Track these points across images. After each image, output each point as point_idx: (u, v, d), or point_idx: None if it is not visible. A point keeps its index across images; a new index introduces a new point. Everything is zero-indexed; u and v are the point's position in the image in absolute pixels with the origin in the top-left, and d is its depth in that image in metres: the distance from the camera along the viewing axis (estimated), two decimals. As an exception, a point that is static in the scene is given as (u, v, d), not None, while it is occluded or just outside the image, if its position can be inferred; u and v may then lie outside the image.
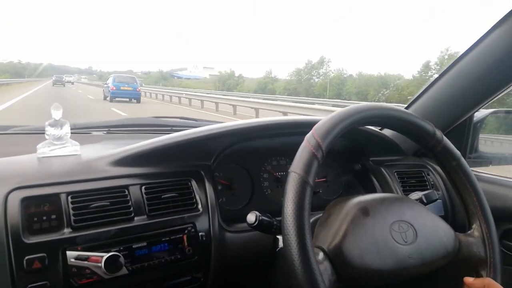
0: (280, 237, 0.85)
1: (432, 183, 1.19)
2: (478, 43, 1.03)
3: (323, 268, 0.62)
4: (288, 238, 0.59)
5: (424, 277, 0.72)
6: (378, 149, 1.20)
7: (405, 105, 1.28)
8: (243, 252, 0.92)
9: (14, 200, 0.68)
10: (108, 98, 16.42)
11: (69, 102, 13.37)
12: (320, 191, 1.21)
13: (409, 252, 0.69)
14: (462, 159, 0.77)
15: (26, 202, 0.69)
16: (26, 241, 0.66)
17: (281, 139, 1.08)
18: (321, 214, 0.76)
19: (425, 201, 0.85)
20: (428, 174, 1.20)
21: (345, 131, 0.67)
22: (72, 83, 39.80)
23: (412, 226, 0.71)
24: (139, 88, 17.33)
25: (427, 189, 1.04)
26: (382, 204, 0.73)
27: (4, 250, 0.64)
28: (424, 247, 0.70)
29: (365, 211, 0.70)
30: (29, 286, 0.65)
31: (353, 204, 0.72)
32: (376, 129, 1.21)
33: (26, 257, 0.65)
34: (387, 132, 1.23)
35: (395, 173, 1.16)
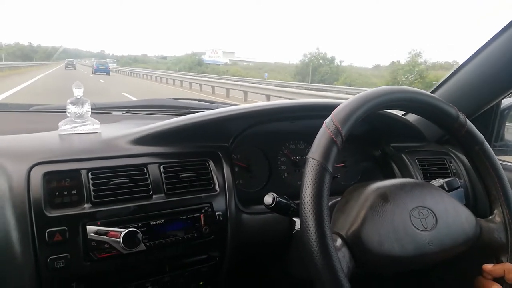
0: (296, 220, 0.85)
1: (455, 171, 1.16)
2: (507, 29, 0.98)
3: (341, 255, 0.61)
4: (306, 225, 0.58)
5: (443, 263, 0.70)
6: (399, 134, 1.17)
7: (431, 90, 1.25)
8: (259, 234, 0.92)
9: (37, 175, 0.69)
10: (92, 71, 30.38)
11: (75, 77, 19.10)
12: (338, 176, 1.19)
13: (428, 238, 0.67)
14: (486, 143, 0.74)
15: (48, 177, 0.70)
16: (48, 214, 0.67)
17: (300, 123, 1.07)
18: (339, 199, 0.75)
19: (446, 188, 0.83)
20: (451, 162, 1.17)
21: (366, 115, 0.65)
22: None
23: (432, 212, 0.69)
24: (109, 67, 32.36)
25: (449, 177, 1.02)
26: (401, 190, 0.71)
27: (27, 223, 0.66)
28: (444, 233, 0.68)
29: (384, 197, 0.69)
30: (51, 257, 0.66)
31: (372, 190, 0.71)
32: (399, 114, 1.18)
33: (48, 230, 0.66)
34: (410, 117, 1.20)
35: (416, 160, 1.13)
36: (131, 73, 34.70)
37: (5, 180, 0.68)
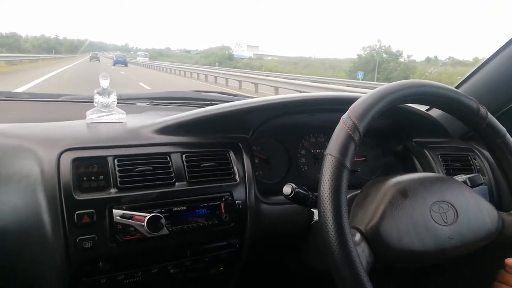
0: (315, 211, 0.86)
1: (478, 167, 1.14)
2: None
3: (360, 250, 0.62)
4: (324, 221, 0.58)
5: (463, 257, 0.70)
6: (422, 130, 1.16)
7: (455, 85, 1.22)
8: (278, 224, 0.94)
9: (66, 160, 0.73)
10: (112, 63, 33.05)
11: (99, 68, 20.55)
12: (359, 170, 1.19)
13: (449, 233, 0.67)
14: (508, 136, 0.73)
15: (77, 162, 0.73)
16: (76, 197, 0.71)
17: (320, 116, 1.07)
18: (358, 193, 0.75)
19: (469, 184, 0.82)
20: (475, 158, 1.15)
21: (383, 110, 0.65)
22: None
23: (453, 207, 0.69)
24: (126, 60, 35.10)
25: (472, 174, 1.01)
26: (421, 184, 0.71)
27: (57, 205, 0.69)
28: (465, 227, 0.68)
29: (403, 192, 0.68)
30: (79, 238, 0.69)
31: (391, 184, 0.70)
32: (422, 109, 1.17)
33: (77, 212, 0.70)
34: (434, 113, 1.19)
35: (439, 156, 1.12)
36: (161, 67, 30.99)
37: (37, 165, 0.72)
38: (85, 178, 0.73)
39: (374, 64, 33.97)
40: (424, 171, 1.10)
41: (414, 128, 1.16)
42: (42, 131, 0.80)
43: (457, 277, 1.18)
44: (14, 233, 0.69)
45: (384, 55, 35.89)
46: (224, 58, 54.93)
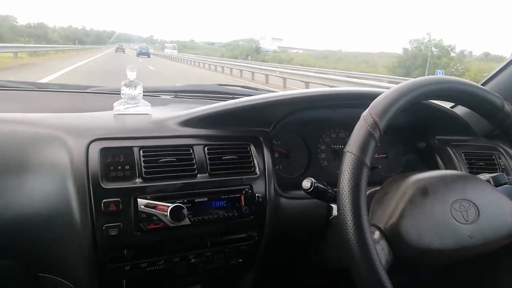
0: (334, 206, 0.86)
1: (503, 167, 1.12)
2: None
3: (379, 248, 0.61)
4: (344, 218, 0.58)
5: (484, 256, 0.69)
6: (445, 127, 1.14)
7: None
8: (296, 218, 0.95)
9: (94, 150, 0.76)
10: (136, 54, 35.36)
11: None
12: (379, 167, 1.18)
13: (470, 231, 0.66)
14: None
15: (105, 152, 0.76)
16: (104, 186, 0.73)
17: (342, 111, 1.07)
18: (377, 190, 0.75)
19: (492, 183, 0.80)
20: (499, 158, 1.13)
21: (405, 107, 0.64)
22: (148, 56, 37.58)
23: (474, 205, 0.68)
24: (150, 51, 39.15)
25: (497, 173, 0.98)
26: (442, 182, 0.70)
27: (85, 193, 0.72)
28: (486, 226, 0.67)
29: (424, 190, 0.68)
30: (106, 225, 0.72)
31: (411, 182, 0.70)
32: (447, 106, 1.15)
33: (104, 200, 0.72)
34: (459, 110, 1.16)
35: (462, 154, 1.10)
36: (188, 61, 29.02)
37: (67, 153, 0.75)
38: (112, 168, 0.76)
39: (423, 59, 30.29)
40: (447, 169, 1.08)
41: (438, 125, 1.14)
42: (71, 121, 0.83)
43: (477, 276, 1.16)
44: (44, 219, 0.73)
45: (434, 49, 31.50)
46: (251, 51, 50.49)
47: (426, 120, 1.14)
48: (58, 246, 0.75)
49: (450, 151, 1.10)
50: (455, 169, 1.06)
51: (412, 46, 33.15)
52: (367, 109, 0.63)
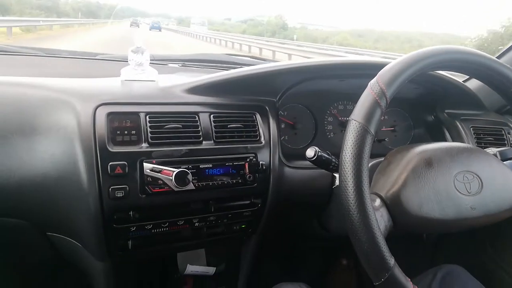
0: (337, 175, 0.87)
1: None
2: None
3: (379, 215, 0.62)
4: (345, 184, 0.58)
5: (486, 228, 0.70)
6: (456, 101, 1.12)
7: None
8: (300, 187, 0.96)
9: (101, 114, 0.77)
10: (149, 28, 35.44)
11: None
12: (386, 140, 1.18)
13: (471, 203, 0.66)
14: None
15: (111, 116, 0.77)
16: (110, 149, 0.75)
17: (351, 82, 1.05)
18: (381, 160, 0.75)
19: (499, 157, 0.79)
20: (509, 133, 1.11)
21: (412, 77, 0.63)
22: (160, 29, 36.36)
23: (478, 177, 0.68)
24: (160, 26, 37.93)
25: (505, 147, 0.97)
26: (447, 154, 0.69)
27: (92, 156, 0.74)
28: (489, 198, 0.67)
29: (428, 161, 0.67)
30: (112, 187, 0.74)
31: (415, 153, 0.69)
32: (459, 80, 1.12)
33: (110, 163, 0.74)
34: (470, 84, 1.14)
35: (471, 128, 1.09)
36: (211, 39, 24.51)
37: (74, 117, 0.76)
38: (118, 132, 0.77)
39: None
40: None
41: (448, 98, 1.12)
42: (79, 86, 0.84)
43: (482, 248, 1.18)
44: (53, 180, 0.75)
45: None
46: (278, 28, 45.21)
47: (437, 94, 1.12)
48: (66, 206, 0.77)
49: (459, 125, 1.09)
50: (462, 142, 1.05)
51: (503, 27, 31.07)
52: (375, 78, 0.62)
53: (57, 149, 0.75)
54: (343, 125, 1.15)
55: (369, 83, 0.62)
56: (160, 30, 35.60)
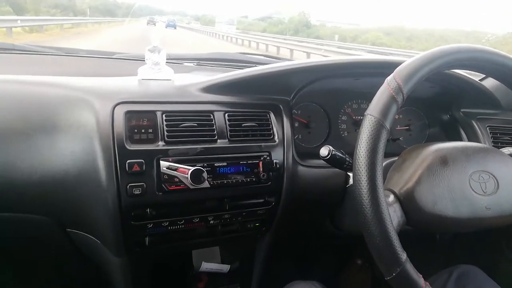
0: (351, 174, 0.87)
1: None
2: None
3: (392, 210, 0.62)
4: (358, 178, 0.58)
5: (502, 228, 0.69)
6: (472, 100, 1.11)
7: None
8: (314, 186, 0.96)
9: (119, 112, 0.78)
10: (165, 26, 33.23)
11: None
12: (401, 139, 1.17)
13: (487, 203, 0.66)
14: None
15: (129, 115, 0.79)
16: (128, 147, 0.76)
17: (365, 81, 1.05)
18: (396, 159, 0.75)
19: None
20: None
21: (431, 74, 0.63)
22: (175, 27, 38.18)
23: (494, 177, 0.67)
24: (175, 25, 36.44)
25: None
26: (463, 153, 0.69)
27: (110, 153, 0.76)
28: (504, 199, 0.67)
29: (443, 159, 0.67)
30: (130, 184, 0.76)
31: (431, 151, 0.69)
32: (476, 78, 1.11)
33: (128, 161, 0.76)
34: (487, 83, 1.13)
35: (488, 128, 1.07)
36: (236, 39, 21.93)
37: (93, 115, 0.78)
38: (135, 130, 0.78)
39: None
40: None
41: (465, 97, 1.11)
42: (98, 85, 0.86)
43: (498, 248, 1.16)
44: (73, 177, 0.77)
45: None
46: (301, 25, 42.57)
47: (453, 92, 1.11)
48: (85, 203, 0.79)
49: (475, 124, 1.07)
50: (479, 142, 1.04)
51: None
52: (392, 74, 0.62)
53: (77, 147, 0.77)
54: (357, 124, 1.14)
55: (386, 79, 0.62)
56: (175, 28, 35.13)
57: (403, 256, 0.57)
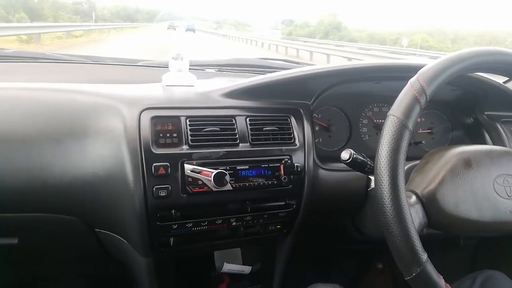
0: (372, 178, 0.87)
1: None
2: None
3: (414, 211, 0.62)
4: (380, 178, 0.58)
5: None
6: (496, 102, 1.09)
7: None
8: (335, 189, 0.97)
9: (145, 118, 0.82)
10: (185, 30, 40.03)
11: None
12: (423, 142, 1.17)
13: (511, 207, 0.65)
14: None
15: (155, 120, 0.82)
16: (154, 151, 0.80)
17: (386, 84, 1.05)
18: (418, 162, 0.75)
19: None
20: None
21: (454, 77, 0.63)
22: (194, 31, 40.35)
23: None
24: (194, 29, 43.23)
25: None
26: (487, 156, 0.69)
27: (137, 157, 0.79)
28: None
29: (467, 162, 0.67)
30: (156, 187, 0.79)
31: (454, 153, 0.69)
32: (499, 80, 1.10)
33: (154, 164, 0.79)
34: (511, 86, 1.11)
35: None
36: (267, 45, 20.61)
37: (121, 121, 0.81)
38: (161, 135, 0.81)
39: None
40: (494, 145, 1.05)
41: (488, 100, 1.09)
42: (125, 92, 0.90)
43: None
44: (102, 180, 0.81)
45: None
46: (331, 28, 40.12)
47: (476, 95, 1.10)
48: (113, 204, 0.83)
49: (500, 127, 1.06)
50: (504, 145, 1.02)
51: None
52: (415, 75, 0.63)
53: (105, 151, 0.81)
54: (379, 128, 1.14)
55: (409, 81, 0.63)
56: (194, 32, 39.95)
57: (424, 256, 0.57)
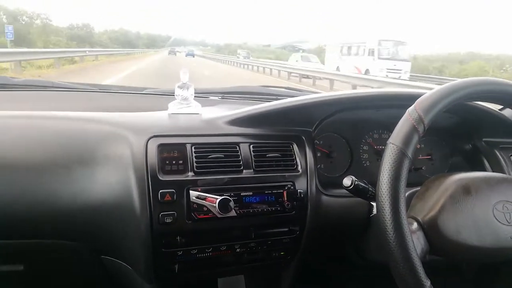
0: (374, 204, 0.88)
1: None
2: None
3: (415, 237, 0.63)
4: (381, 205, 0.60)
5: None
6: (493, 129, 1.12)
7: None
8: (337, 215, 0.98)
9: (152, 146, 0.84)
10: (185, 55, 42.26)
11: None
12: (423, 168, 1.18)
13: (511, 233, 0.67)
14: None
15: (161, 147, 0.84)
16: (160, 178, 0.81)
17: (386, 111, 1.08)
18: (419, 189, 0.77)
19: None
20: None
21: (450, 106, 0.66)
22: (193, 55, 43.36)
23: None
24: (194, 53, 47.17)
25: None
26: (486, 183, 0.70)
27: (144, 184, 0.81)
28: None
29: (466, 188, 0.69)
30: (162, 213, 0.80)
31: (453, 180, 0.71)
32: (495, 108, 1.12)
33: (160, 191, 0.80)
34: (507, 113, 1.14)
35: (511, 157, 1.07)
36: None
37: (128, 148, 0.84)
38: (167, 162, 0.84)
39: None
40: (493, 172, 1.06)
41: (485, 127, 1.12)
42: (132, 120, 0.92)
43: None
44: (109, 206, 0.82)
45: None
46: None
47: (473, 122, 1.13)
48: (120, 231, 0.84)
49: (498, 154, 1.08)
50: (503, 172, 1.04)
51: None
52: (413, 105, 0.65)
53: (113, 178, 0.82)
54: (379, 154, 1.16)
55: (407, 110, 0.66)
56: (193, 56, 43.09)
57: (427, 283, 0.58)
